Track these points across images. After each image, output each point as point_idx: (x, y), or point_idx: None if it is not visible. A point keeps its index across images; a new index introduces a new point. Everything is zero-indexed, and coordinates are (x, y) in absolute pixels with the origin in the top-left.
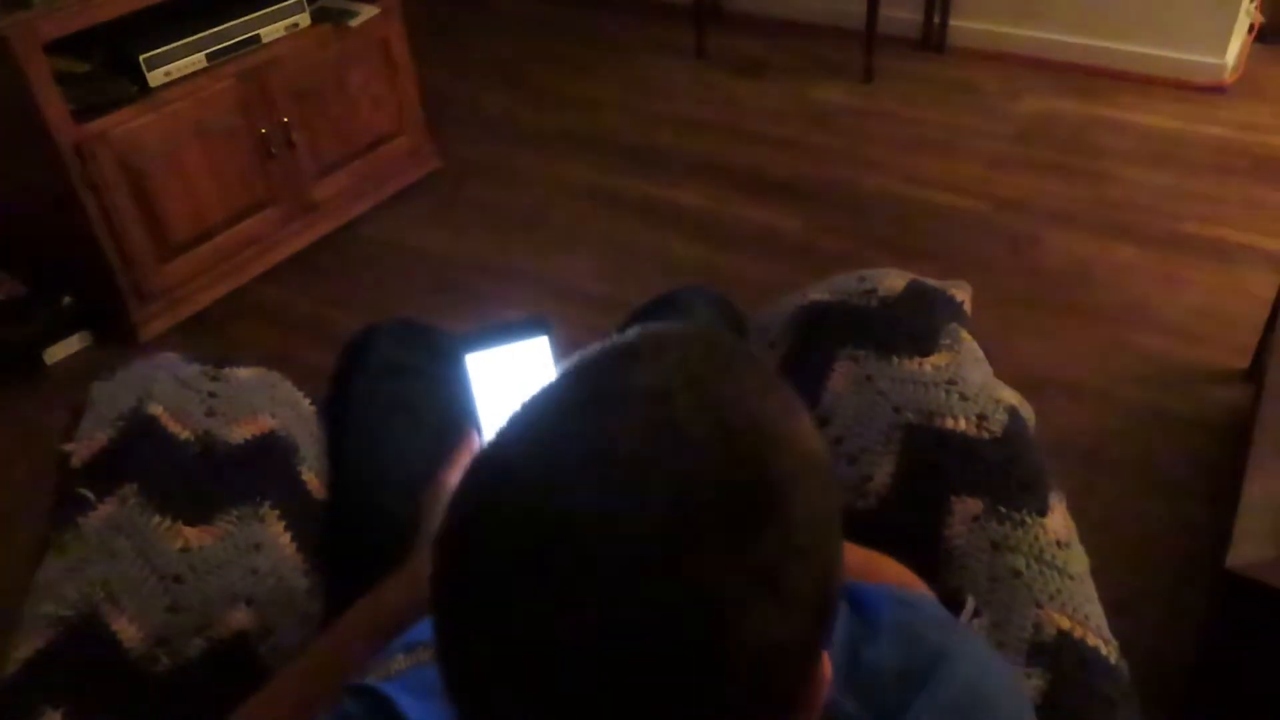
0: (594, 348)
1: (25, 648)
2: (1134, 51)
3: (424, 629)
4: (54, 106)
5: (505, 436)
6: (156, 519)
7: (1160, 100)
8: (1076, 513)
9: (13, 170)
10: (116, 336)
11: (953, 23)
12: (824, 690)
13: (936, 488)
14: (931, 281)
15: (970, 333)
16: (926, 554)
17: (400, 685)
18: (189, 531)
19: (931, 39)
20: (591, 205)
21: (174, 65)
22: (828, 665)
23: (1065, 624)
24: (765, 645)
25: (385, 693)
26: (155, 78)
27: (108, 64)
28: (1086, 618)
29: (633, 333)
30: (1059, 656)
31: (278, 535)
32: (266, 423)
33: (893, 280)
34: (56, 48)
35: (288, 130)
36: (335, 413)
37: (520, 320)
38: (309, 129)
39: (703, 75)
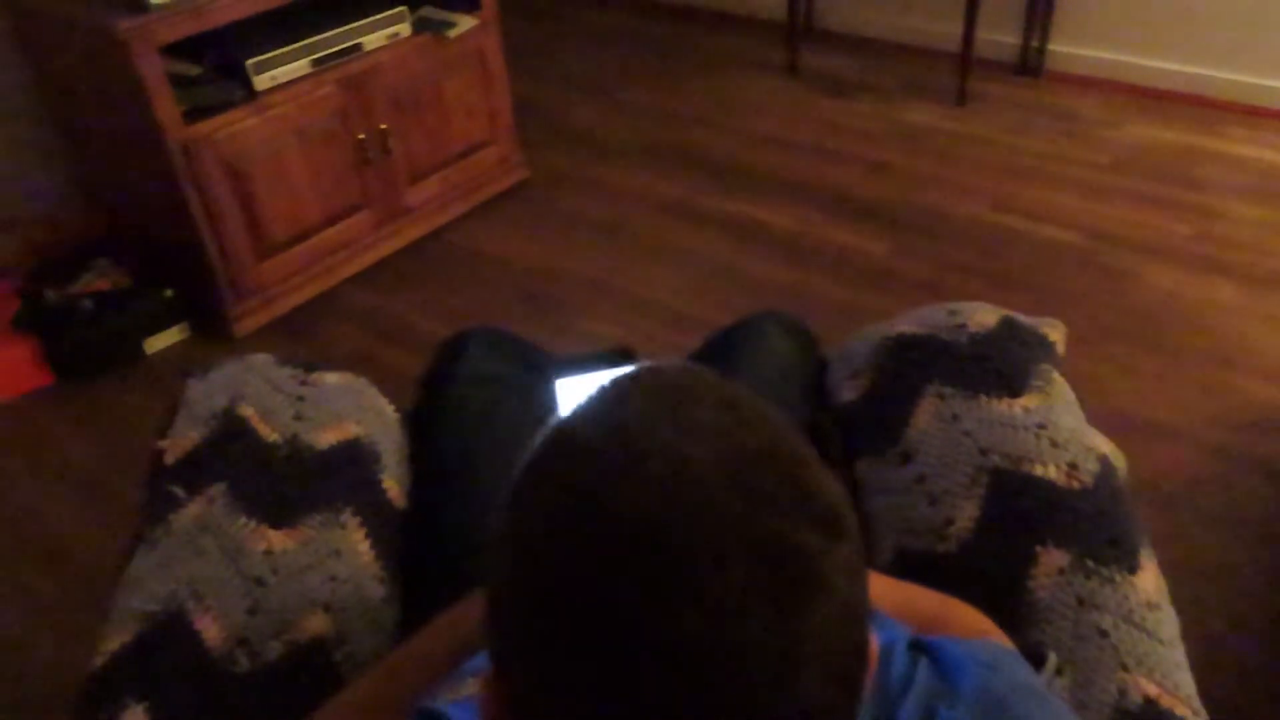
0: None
1: (113, 640)
2: (1242, 81)
3: None
4: (166, 107)
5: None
6: (242, 520)
7: (1268, 133)
8: (1161, 559)
9: (126, 167)
10: (212, 330)
11: (1051, 47)
12: (873, 668)
13: (1022, 536)
14: (1024, 318)
15: (1063, 374)
16: (1007, 604)
17: (465, 708)
18: (273, 535)
19: (1029, 63)
20: (675, 220)
21: (280, 70)
22: (875, 646)
23: (1153, 691)
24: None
25: (453, 717)
26: (261, 82)
27: (218, 68)
28: (1176, 686)
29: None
30: None
31: (357, 543)
32: (351, 429)
33: (984, 315)
34: (171, 51)
35: (384, 137)
36: (424, 417)
37: (608, 350)
38: (404, 136)
39: (793, 93)
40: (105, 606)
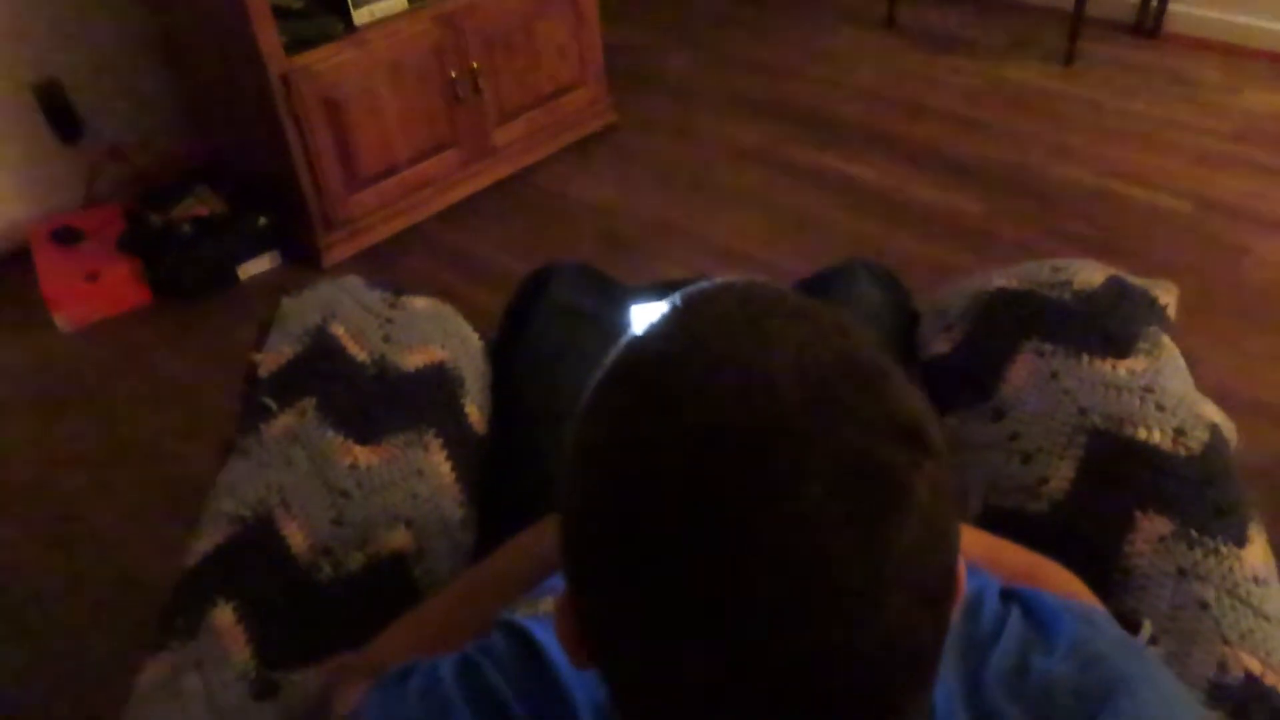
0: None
1: (206, 541)
2: None
3: None
4: (268, 39)
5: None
6: (330, 434)
7: None
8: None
9: (228, 97)
10: (302, 259)
11: (1172, 7)
12: (960, 597)
13: (1120, 500)
14: (1133, 279)
15: (1173, 339)
16: (1101, 569)
17: (545, 625)
18: (358, 450)
19: (1146, 23)
20: (763, 171)
21: (378, 5)
22: (963, 573)
23: (1256, 668)
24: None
25: (531, 630)
26: (360, 16)
27: (319, 1)
28: None
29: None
30: (1245, 702)
31: (439, 464)
32: (437, 353)
33: (1090, 273)
34: None
35: (475, 76)
36: (507, 347)
37: (687, 281)
38: (495, 75)
39: (891, 47)
40: (194, 514)
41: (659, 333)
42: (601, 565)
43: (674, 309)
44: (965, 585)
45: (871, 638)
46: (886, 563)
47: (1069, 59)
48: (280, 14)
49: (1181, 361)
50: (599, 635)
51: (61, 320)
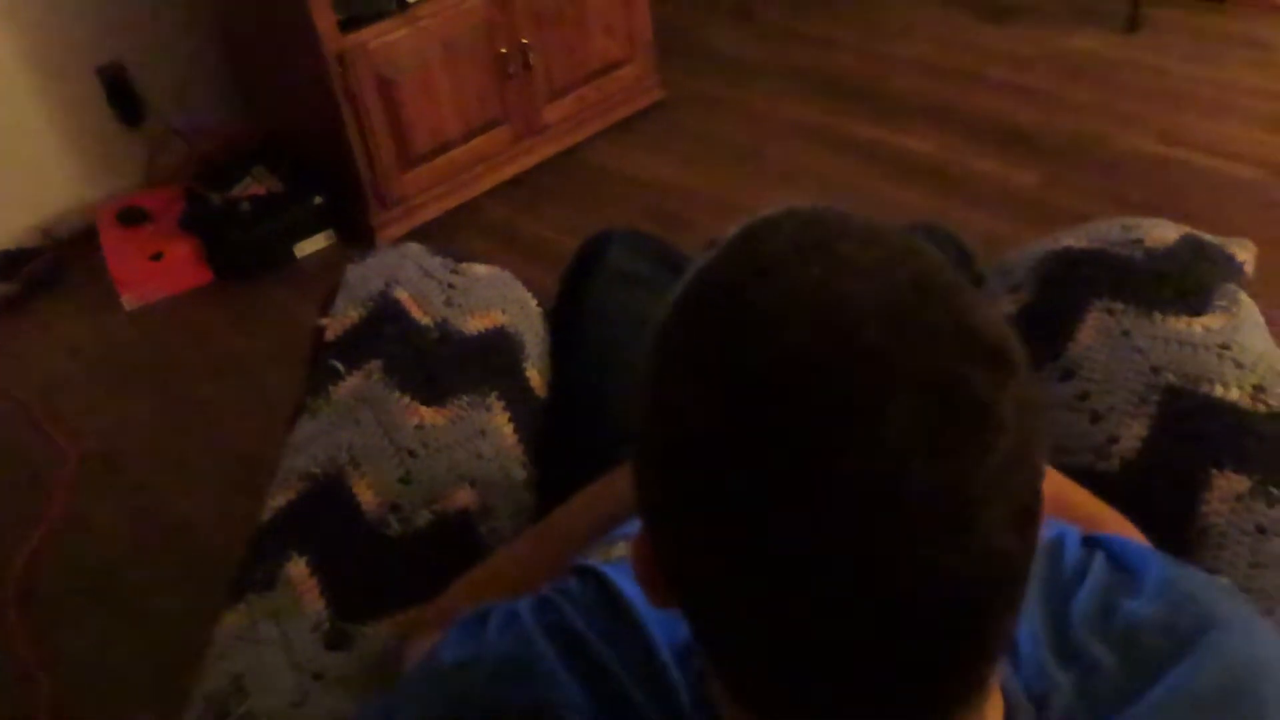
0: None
1: (279, 498)
2: None
3: None
4: (324, 16)
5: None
6: (396, 395)
7: None
8: None
9: (284, 76)
10: (356, 238)
11: None
12: (1044, 519)
13: (1195, 458)
14: (1209, 236)
15: (1251, 297)
16: (1175, 527)
17: (621, 569)
18: (424, 410)
19: None
20: (815, 145)
21: None
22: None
23: None
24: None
25: (607, 573)
26: None
27: None
28: None
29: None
30: None
31: (501, 425)
32: (498, 318)
33: (1163, 231)
34: None
35: (525, 52)
36: (566, 313)
37: None
38: (544, 52)
39: (946, 17)
40: (258, 485)
41: (724, 263)
42: (678, 503)
43: (737, 237)
44: (1045, 529)
45: (959, 558)
46: (973, 484)
47: (1132, 25)
48: None
49: (1260, 318)
50: (679, 573)
51: (127, 299)
